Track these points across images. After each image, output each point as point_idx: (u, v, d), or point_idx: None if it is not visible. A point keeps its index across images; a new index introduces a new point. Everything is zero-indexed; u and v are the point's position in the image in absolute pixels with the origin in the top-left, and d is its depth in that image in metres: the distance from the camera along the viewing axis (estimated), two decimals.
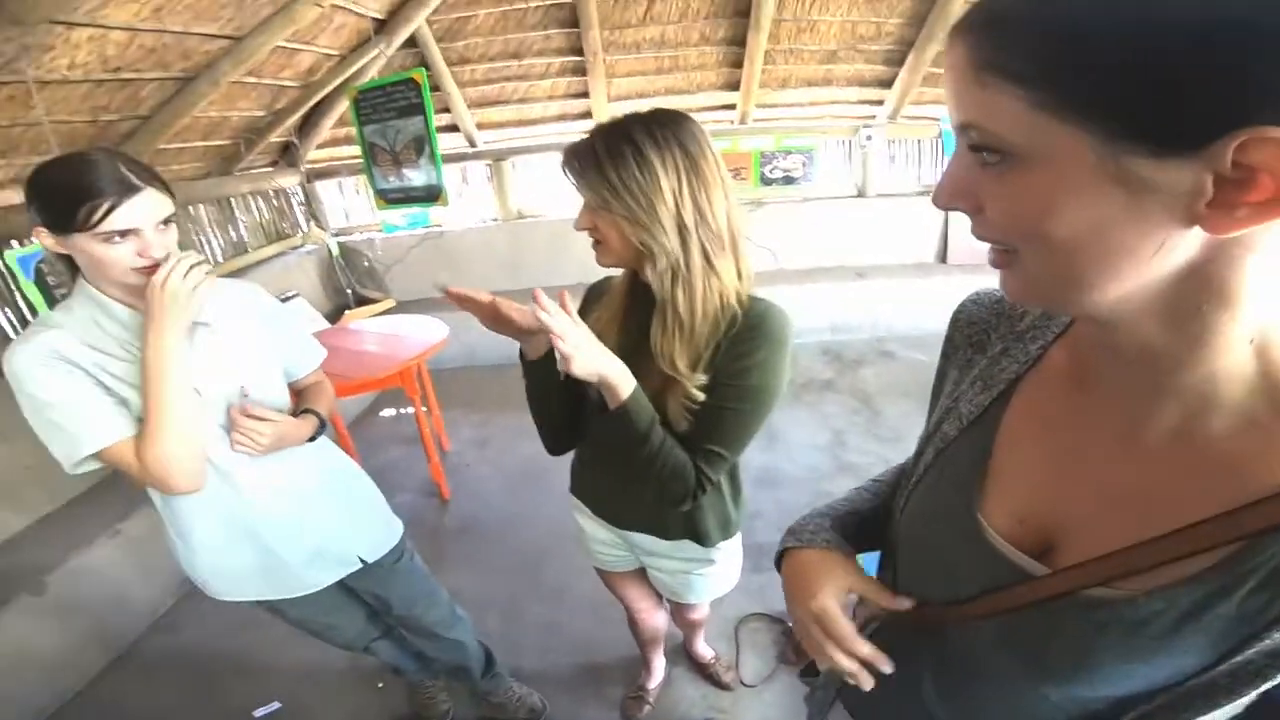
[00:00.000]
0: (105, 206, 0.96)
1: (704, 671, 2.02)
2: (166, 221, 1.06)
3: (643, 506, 1.23)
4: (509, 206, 4.86)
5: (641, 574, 1.54)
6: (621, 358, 1.00)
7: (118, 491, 2.56)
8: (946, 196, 0.45)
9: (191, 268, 1.05)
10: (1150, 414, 0.46)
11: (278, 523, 1.32)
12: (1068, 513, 0.50)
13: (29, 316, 2.67)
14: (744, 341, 0.98)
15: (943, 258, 4.83)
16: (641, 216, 0.91)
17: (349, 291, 4.58)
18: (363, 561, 1.46)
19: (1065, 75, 0.35)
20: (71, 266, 1.09)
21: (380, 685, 2.10)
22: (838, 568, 0.67)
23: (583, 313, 1.18)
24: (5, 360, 1.03)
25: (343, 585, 1.49)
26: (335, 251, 4.51)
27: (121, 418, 1.08)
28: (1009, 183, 0.39)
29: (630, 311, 1.09)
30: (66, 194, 0.97)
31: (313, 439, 1.35)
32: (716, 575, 1.37)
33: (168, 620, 2.50)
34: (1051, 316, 0.57)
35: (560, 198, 4.94)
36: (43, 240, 1.02)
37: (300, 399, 1.43)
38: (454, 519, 2.98)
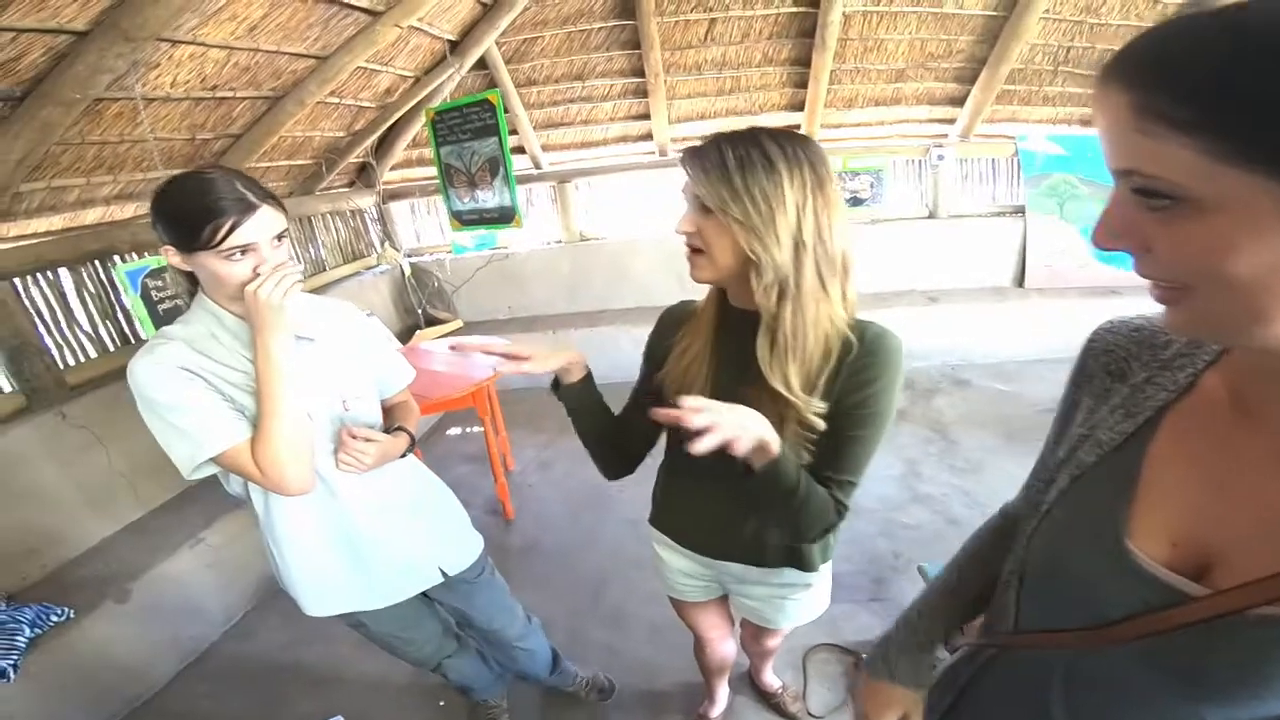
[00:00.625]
0: (227, 225, 1.00)
1: (769, 701, 1.95)
2: (280, 237, 1.09)
3: (742, 537, 1.18)
4: (571, 229, 4.91)
5: (720, 602, 1.49)
6: (722, 391, 0.97)
7: (201, 501, 2.63)
8: (1108, 238, 0.45)
9: (284, 276, 1.08)
10: None
11: (373, 535, 1.35)
12: (1227, 535, 0.50)
13: (126, 330, 2.81)
14: (865, 369, 0.94)
15: (1020, 281, 4.60)
16: (758, 223, 0.87)
17: (419, 311, 4.69)
18: (444, 575, 1.48)
19: (1237, 124, 0.35)
20: (193, 281, 1.14)
21: (441, 703, 2.07)
22: (904, 704, 0.85)
23: (660, 340, 1.16)
24: (129, 370, 1.08)
25: (425, 599, 1.53)
26: (407, 272, 4.63)
27: (240, 422, 1.11)
28: (1180, 226, 0.39)
29: (723, 340, 1.05)
30: (190, 214, 1.00)
31: (403, 455, 1.38)
32: (811, 599, 1.30)
33: (239, 629, 2.53)
34: (1199, 344, 0.57)
35: (621, 221, 4.97)
36: (170, 258, 1.07)
37: (389, 416, 1.46)
38: (518, 538, 2.97)
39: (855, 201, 4.59)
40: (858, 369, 0.94)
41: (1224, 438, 0.52)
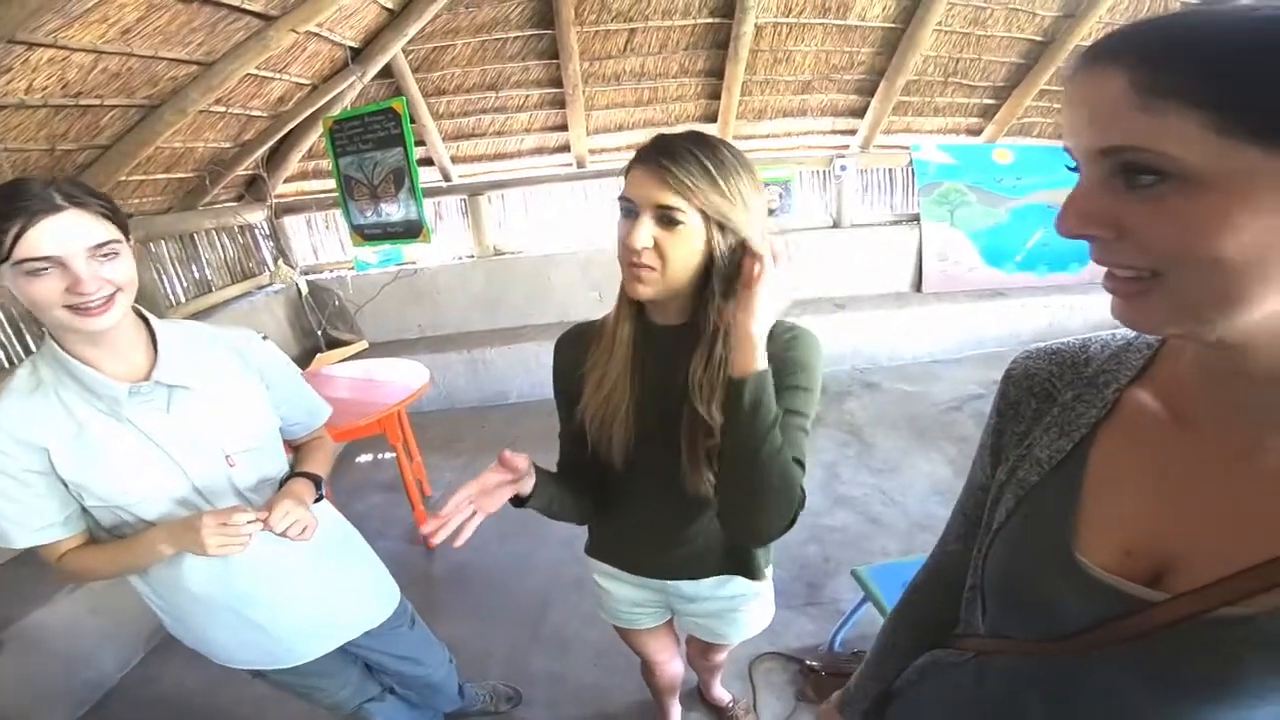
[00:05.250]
0: (15, 229, 0.82)
1: (722, 715, 1.95)
2: (105, 252, 0.90)
3: (687, 551, 1.16)
4: (485, 243, 4.76)
5: (667, 626, 1.47)
6: (647, 416, 0.98)
7: None
8: (1077, 223, 0.45)
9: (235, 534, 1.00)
10: (1275, 435, 0.47)
11: (270, 599, 1.22)
12: (1180, 541, 0.51)
13: None
14: (786, 362, 0.93)
15: (918, 286, 4.89)
16: (741, 225, 0.86)
17: (319, 333, 4.39)
18: (357, 632, 1.40)
19: (1246, 100, 0.36)
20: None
21: None
22: None
23: (569, 371, 1.08)
24: None
25: (338, 648, 1.39)
26: (304, 291, 4.32)
27: (51, 514, 1.02)
28: (1168, 203, 0.40)
29: (644, 360, 1.00)
30: None
31: (315, 502, 1.22)
32: (760, 609, 1.31)
33: (140, 674, 2.31)
34: (1120, 361, 0.59)
35: (538, 235, 4.87)
36: None
37: (297, 456, 1.32)
38: (442, 567, 2.82)
39: (767, 212, 4.71)
40: (776, 367, 0.87)
41: (1165, 447, 0.54)
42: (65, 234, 0.86)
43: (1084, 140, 0.43)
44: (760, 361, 0.81)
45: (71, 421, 0.98)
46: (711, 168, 0.84)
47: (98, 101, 2.51)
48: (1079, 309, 4.58)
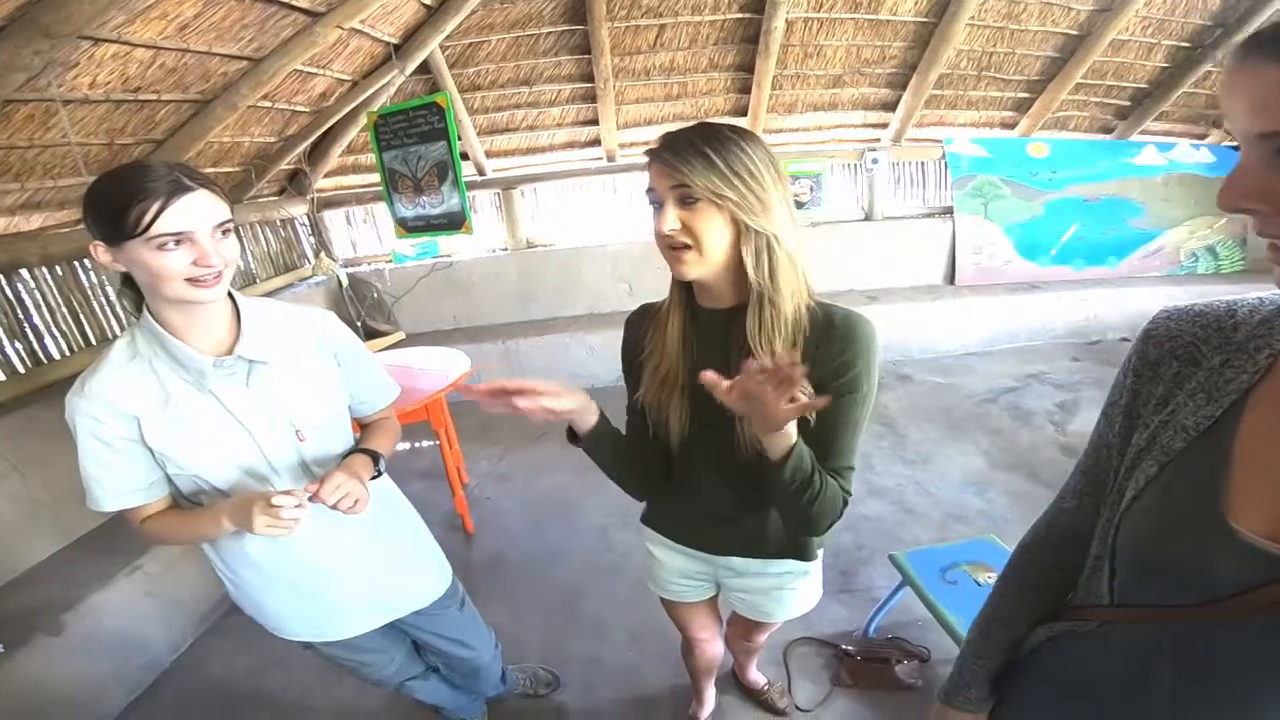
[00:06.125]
0: (155, 207, 0.90)
1: (757, 699, 1.96)
2: (224, 229, 0.99)
3: (743, 530, 1.19)
4: (518, 236, 4.83)
5: (711, 603, 1.49)
6: (698, 393, 1.00)
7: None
8: (1238, 198, 0.48)
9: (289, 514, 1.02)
10: None
11: (319, 572, 1.27)
12: None
13: (37, 349, 2.61)
14: (842, 351, 0.95)
15: (951, 279, 4.85)
16: (753, 201, 0.89)
17: (358, 324, 4.48)
18: (409, 610, 1.44)
19: None
20: (136, 293, 1.04)
21: None
22: None
23: (633, 356, 1.13)
24: (66, 400, 1.04)
25: (388, 625, 1.44)
26: (345, 283, 4.43)
27: (138, 480, 1.08)
28: None
29: (694, 348, 1.04)
30: (117, 198, 0.91)
31: (373, 478, 1.26)
32: (808, 588, 1.32)
33: (191, 658, 2.37)
34: (1272, 326, 0.58)
35: (569, 228, 4.94)
36: (99, 256, 0.96)
37: (363, 433, 1.37)
38: (481, 554, 2.88)
39: (796, 204, 4.71)
40: (834, 352, 0.95)
41: None
42: (198, 211, 0.94)
43: (1244, 125, 0.46)
44: (790, 437, 0.87)
45: (161, 391, 1.04)
46: (709, 150, 0.88)
47: (154, 97, 2.60)
48: (1118, 302, 4.50)
